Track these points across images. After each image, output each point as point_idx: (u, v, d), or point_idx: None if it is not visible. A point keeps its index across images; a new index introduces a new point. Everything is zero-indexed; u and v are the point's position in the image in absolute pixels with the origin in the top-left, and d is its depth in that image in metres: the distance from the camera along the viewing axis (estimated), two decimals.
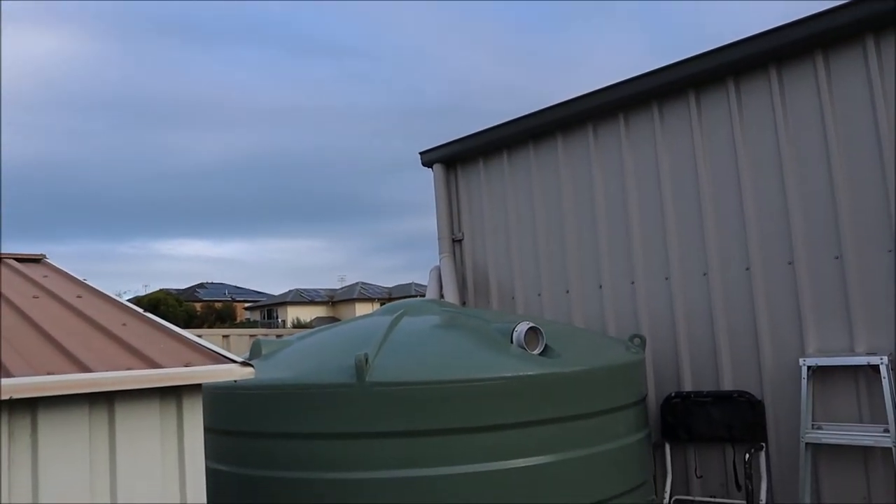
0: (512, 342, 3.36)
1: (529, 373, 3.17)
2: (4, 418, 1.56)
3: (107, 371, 1.65)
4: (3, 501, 1.57)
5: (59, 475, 1.62)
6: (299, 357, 3.59)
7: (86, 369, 1.66)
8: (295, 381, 3.27)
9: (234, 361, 1.86)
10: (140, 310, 2.45)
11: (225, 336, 7.02)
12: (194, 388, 1.82)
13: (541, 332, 3.38)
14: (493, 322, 3.65)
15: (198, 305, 45.09)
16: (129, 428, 1.69)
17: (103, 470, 1.65)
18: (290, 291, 49.71)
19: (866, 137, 4.01)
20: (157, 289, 44.77)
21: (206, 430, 3.68)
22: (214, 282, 56.03)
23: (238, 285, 56.01)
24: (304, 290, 50.29)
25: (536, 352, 3.33)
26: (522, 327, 3.37)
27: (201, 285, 54.52)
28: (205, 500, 1.72)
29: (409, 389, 3.07)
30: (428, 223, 6.25)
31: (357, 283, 50.67)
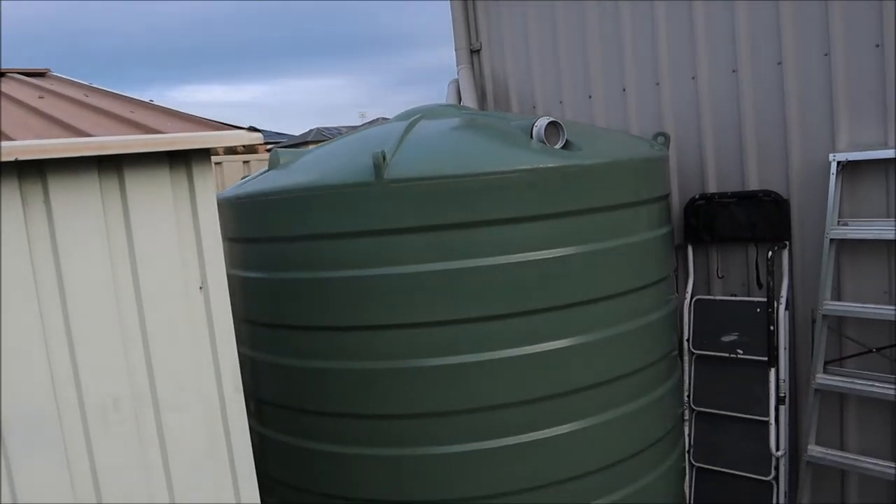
0: (532, 137, 3.28)
1: (550, 165, 3.11)
2: (15, 183, 1.54)
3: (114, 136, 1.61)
4: (28, 278, 1.57)
5: (76, 247, 1.61)
6: (317, 162, 3.55)
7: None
8: (313, 184, 3.24)
9: (242, 128, 1.81)
10: (148, 100, 2.39)
11: (245, 162, 7.00)
12: (204, 157, 1.78)
13: (561, 126, 3.28)
14: (513, 121, 3.55)
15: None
16: (140, 195, 1.67)
17: (120, 240, 1.64)
18: (311, 131, 49.26)
19: None
20: None
21: (229, 239, 3.75)
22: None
23: (259, 127, 55.59)
24: (326, 128, 49.86)
25: (557, 146, 3.26)
26: (542, 122, 3.27)
27: None
28: (224, 282, 1.72)
29: (427, 184, 3.03)
30: (451, 55, 5.96)
31: (378, 119, 50.04)
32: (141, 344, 1.52)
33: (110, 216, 1.66)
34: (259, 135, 1.84)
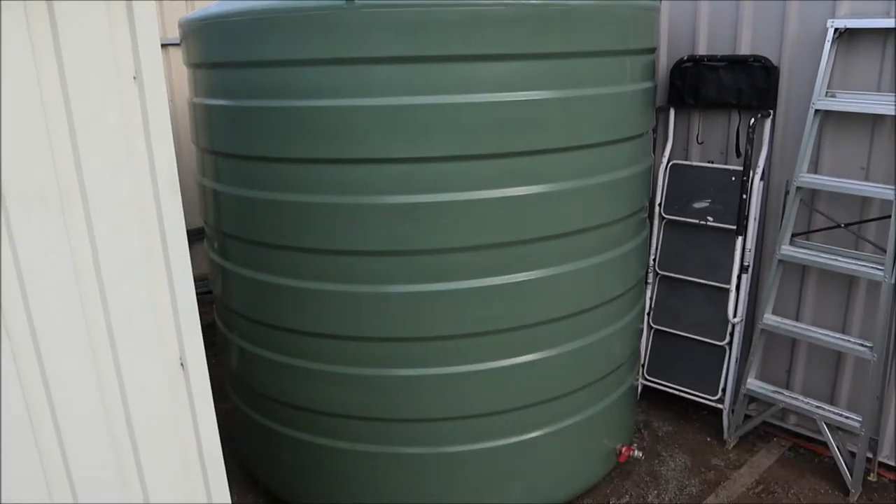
0: None
1: (533, 1, 2.94)
2: None
3: None
4: None
5: None
6: None
7: None
8: (281, 6, 3.04)
9: None
10: None
11: None
12: None
13: None
14: None
15: None
16: None
17: (42, 23, 1.45)
18: None
19: None
20: None
21: (192, 65, 3.57)
22: None
23: None
24: None
25: None
26: None
27: None
28: (161, 74, 1.54)
29: (401, 11, 2.86)
30: None
31: None
32: (67, 133, 1.41)
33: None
34: None
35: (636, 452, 4.01)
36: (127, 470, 1.60)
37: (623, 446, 4.01)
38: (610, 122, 3.37)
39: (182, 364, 1.58)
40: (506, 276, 3.24)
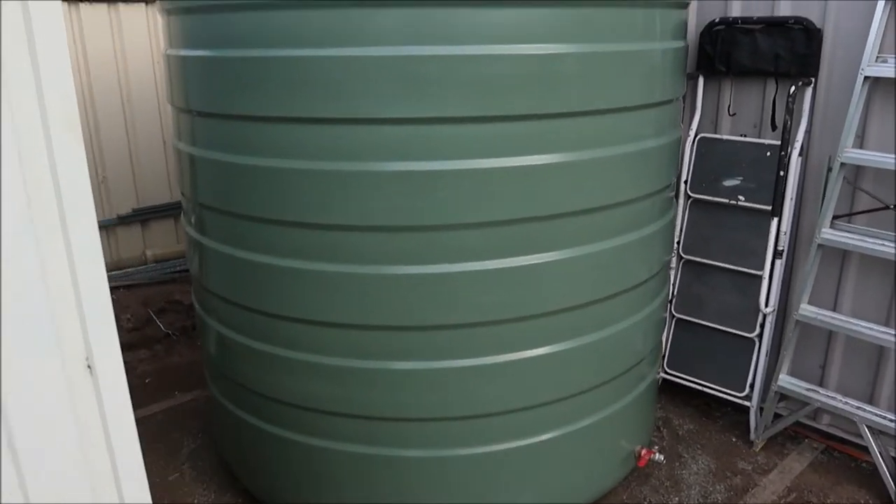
0: None
1: None
2: None
3: None
4: None
5: None
6: None
7: None
8: None
9: None
10: None
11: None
12: None
13: None
14: None
15: None
16: None
17: None
18: None
19: None
20: None
21: (167, 11, 3.15)
22: None
23: None
24: None
25: None
26: None
27: None
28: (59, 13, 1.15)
29: None
30: None
31: None
32: None
33: None
34: None
35: (657, 455, 3.62)
36: None
37: (643, 448, 3.62)
38: (638, 83, 2.96)
39: (89, 366, 1.18)
40: (516, 258, 2.83)
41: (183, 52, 3.04)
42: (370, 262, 2.78)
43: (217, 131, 2.98)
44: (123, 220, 6.33)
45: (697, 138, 4.16)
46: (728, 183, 4.05)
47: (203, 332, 3.57)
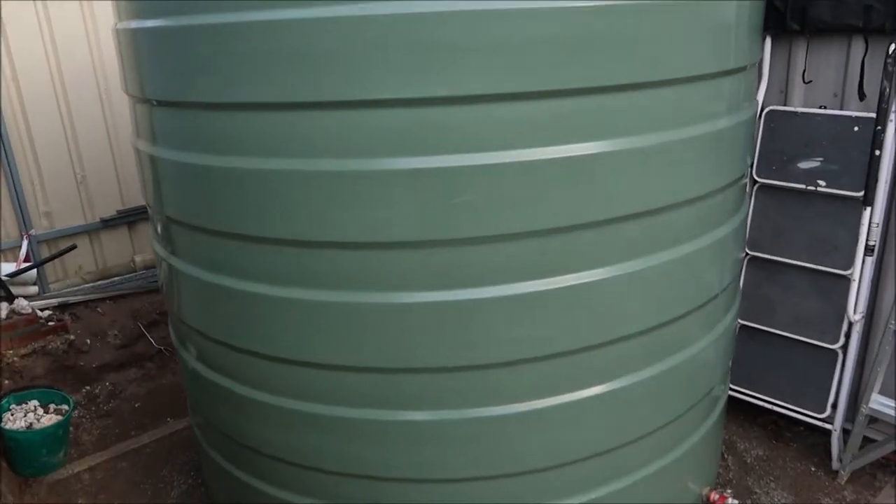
0: None
1: None
2: None
3: None
4: None
5: None
6: None
7: None
8: None
9: None
10: None
11: None
12: None
13: None
14: None
15: None
16: None
17: None
18: None
19: None
20: None
21: None
22: None
23: None
24: None
25: None
26: None
27: None
28: None
29: None
30: None
31: None
32: None
33: None
34: None
35: (731, 501, 2.99)
36: None
37: (712, 491, 3.00)
38: (710, 45, 2.30)
39: None
40: (560, 278, 2.19)
41: (134, 24, 2.41)
42: (371, 289, 2.15)
43: (178, 124, 2.36)
44: (108, 224, 5.71)
45: (765, 112, 3.48)
46: (804, 165, 3.37)
47: (181, 366, 2.97)
